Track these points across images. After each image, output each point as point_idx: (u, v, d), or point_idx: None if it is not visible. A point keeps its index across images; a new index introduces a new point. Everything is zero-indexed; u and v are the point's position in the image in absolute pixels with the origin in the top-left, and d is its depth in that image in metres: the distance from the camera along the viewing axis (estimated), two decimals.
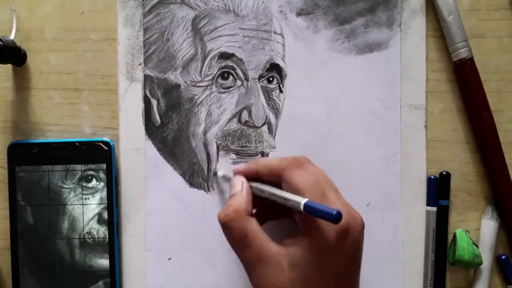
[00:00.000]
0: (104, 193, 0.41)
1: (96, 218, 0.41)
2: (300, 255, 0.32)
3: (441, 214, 0.41)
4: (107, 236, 0.41)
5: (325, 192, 0.33)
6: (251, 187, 0.36)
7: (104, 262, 0.41)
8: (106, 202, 0.41)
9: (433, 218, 0.41)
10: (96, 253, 0.41)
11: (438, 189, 0.41)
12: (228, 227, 0.34)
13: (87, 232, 0.41)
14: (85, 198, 0.41)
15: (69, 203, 0.41)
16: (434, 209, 0.41)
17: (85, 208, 0.41)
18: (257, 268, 0.33)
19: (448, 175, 0.41)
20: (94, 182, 0.41)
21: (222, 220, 0.34)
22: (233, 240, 0.34)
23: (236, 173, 0.37)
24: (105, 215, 0.41)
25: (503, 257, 0.41)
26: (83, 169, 0.41)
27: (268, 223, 0.37)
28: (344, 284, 0.33)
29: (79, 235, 0.41)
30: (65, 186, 0.41)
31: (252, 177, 0.36)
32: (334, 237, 0.31)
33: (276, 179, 0.35)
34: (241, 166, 0.37)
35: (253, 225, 0.33)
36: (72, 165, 0.41)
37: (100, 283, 0.41)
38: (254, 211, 0.36)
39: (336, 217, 0.29)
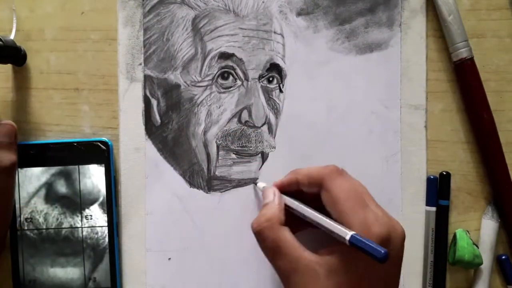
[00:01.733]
0: (103, 193, 0.41)
1: (96, 218, 0.41)
2: (338, 264, 0.31)
3: (441, 214, 0.41)
4: (107, 236, 0.41)
5: (366, 202, 0.33)
6: (292, 209, 0.35)
7: (104, 262, 0.41)
8: (105, 202, 0.41)
9: (433, 218, 0.41)
10: (96, 253, 0.41)
11: (438, 189, 0.41)
12: (261, 237, 0.34)
13: (87, 232, 0.41)
14: (84, 198, 0.41)
15: (69, 204, 0.41)
16: (434, 209, 0.41)
17: (84, 208, 0.41)
18: (292, 277, 0.32)
19: (448, 175, 0.41)
20: (93, 182, 0.41)
21: (255, 229, 0.34)
22: (267, 250, 0.34)
23: (275, 185, 0.37)
24: (105, 215, 0.41)
25: (503, 257, 0.41)
26: (82, 169, 0.41)
27: (301, 232, 0.36)
28: None
29: (79, 235, 0.41)
30: (64, 186, 0.41)
31: (292, 187, 0.36)
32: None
33: (316, 187, 0.34)
34: (281, 179, 0.37)
35: (286, 234, 0.33)
36: (70, 166, 0.41)
37: (101, 283, 0.41)
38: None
39: (383, 258, 0.28)
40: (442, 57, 0.41)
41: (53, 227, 0.40)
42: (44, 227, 0.40)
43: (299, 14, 0.42)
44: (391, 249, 0.31)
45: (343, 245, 0.31)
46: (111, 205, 0.41)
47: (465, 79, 0.40)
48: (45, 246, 0.41)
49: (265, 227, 0.33)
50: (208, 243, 0.42)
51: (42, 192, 0.41)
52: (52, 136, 0.42)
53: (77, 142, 0.41)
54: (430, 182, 0.41)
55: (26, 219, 0.40)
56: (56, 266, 0.40)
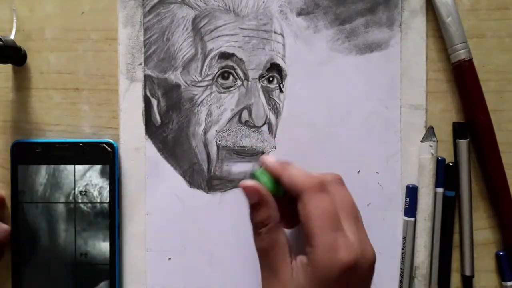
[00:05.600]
0: (106, 193, 0.41)
1: (98, 218, 0.41)
2: (303, 284, 0.31)
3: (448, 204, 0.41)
4: (108, 237, 0.41)
5: (340, 224, 0.32)
6: None
7: (105, 262, 0.41)
8: (108, 203, 0.41)
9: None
10: (96, 254, 0.41)
11: (444, 180, 0.41)
12: (260, 235, 0.34)
13: (87, 233, 0.41)
14: (87, 198, 0.41)
15: (71, 203, 0.41)
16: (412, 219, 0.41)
17: (86, 208, 0.41)
18: (268, 279, 0.33)
19: (455, 165, 0.41)
20: (96, 182, 0.41)
21: (257, 224, 0.34)
22: (260, 249, 0.34)
23: (261, 165, 0.36)
24: (107, 215, 0.41)
25: (501, 253, 0.41)
26: (86, 167, 0.41)
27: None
28: None
29: (80, 235, 0.41)
30: (68, 186, 0.41)
31: (274, 177, 0.35)
32: (337, 273, 0.30)
33: (294, 195, 0.34)
34: (271, 161, 0.36)
35: (282, 238, 0.33)
36: (74, 166, 0.41)
37: (101, 283, 0.41)
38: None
39: None
40: (442, 57, 0.41)
41: (107, 201, 0.41)
42: (98, 201, 0.41)
43: (299, 14, 0.42)
44: (356, 276, 0.31)
45: (309, 266, 0.31)
46: (114, 205, 0.41)
47: (463, 81, 0.40)
48: (98, 220, 0.41)
49: (270, 228, 0.34)
50: (208, 243, 0.42)
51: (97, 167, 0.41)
52: (52, 136, 0.42)
53: (83, 143, 0.41)
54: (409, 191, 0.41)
55: (80, 192, 0.41)
56: (106, 241, 0.41)
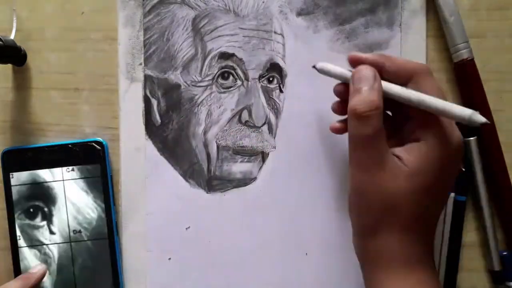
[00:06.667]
0: (101, 193, 0.41)
1: (95, 218, 0.41)
2: (419, 167, 0.32)
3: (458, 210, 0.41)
4: (107, 237, 0.41)
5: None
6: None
7: (104, 262, 0.41)
8: (104, 202, 0.41)
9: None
10: (97, 253, 0.41)
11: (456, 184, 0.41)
12: (366, 122, 0.32)
13: (87, 232, 0.41)
14: (84, 198, 0.41)
15: (68, 204, 0.41)
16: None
17: (84, 209, 0.41)
18: (372, 169, 0.32)
19: (466, 172, 0.41)
20: (92, 182, 0.41)
21: (363, 112, 0.32)
22: (362, 136, 0.32)
23: (356, 61, 0.35)
24: (104, 215, 0.41)
25: (505, 253, 0.41)
26: (80, 170, 0.41)
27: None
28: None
29: (80, 235, 0.41)
30: (63, 188, 0.41)
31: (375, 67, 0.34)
32: (457, 146, 0.32)
33: (402, 79, 0.33)
34: (364, 54, 0.35)
35: (383, 128, 0.32)
36: (67, 167, 0.41)
37: (102, 283, 0.41)
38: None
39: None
40: (442, 57, 0.41)
41: (102, 200, 0.41)
42: (92, 201, 0.41)
43: (299, 14, 0.42)
44: (462, 152, 0.34)
45: (427, 146, 0.32)
46: (109, 204, 0.41)
47: (465, 80, 0.40)
48: (95, 220, 0.41)
49: (375, 114, 0.32)
50: (208, 243, 0.42)
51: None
52: (52, 136, 0.42)
53: (72, 144, 0.41)
54: None
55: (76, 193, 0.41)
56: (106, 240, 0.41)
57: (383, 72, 0.34)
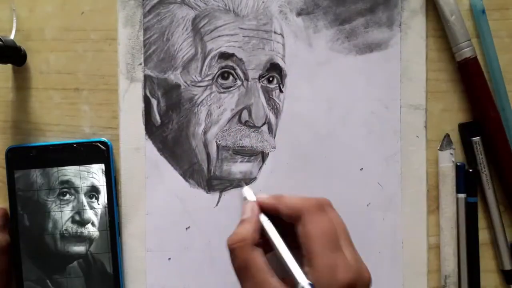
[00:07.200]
0: (104, 193, 0.41)
1: (97, 218, 0.41)
2: None
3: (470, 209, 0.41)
4: (109, 237, 0.41)
5: (340, 244, 0.32)
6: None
7: (105, 262, 0.41)
8: (106, 202, 0.41)
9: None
10: (97, 254, 0.41)
11: (466, 185, 0.41)
12: (233, 255, 0.33)
13: (87, 232, 0.41)
14: (86, 199, 0.41)
15: (70, 204, 0.41)
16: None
17: (85, 209, 0.41)
18: None
19: (476, 171, 0.40)
20: (94, 182, 0.41)
21: (229, 247, 0.33)
22: (237, 269, 0.33)
23: (257, 202, 0.36)
24: (106, 215, 0.41)
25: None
26: (82, 170, 0.41)
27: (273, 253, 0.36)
28: None
29: (80, 235, 0.41)
30: (65, 188, 0.41)
31: (271, 211, 0.35)
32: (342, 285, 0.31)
33: (293, 220, 0.34)
34: (264, 197, 0.36)
35: (257, 257, 0.33)
36: (70, 167, 0.41)
37: (102, 283, 0.41)
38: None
39: None
40: (442, 57, 0.41)
41: (105, 199, 0.41)
42: (96, 200, 0.41)
43: (299, 14, 0.42)
44: None
45: None
46: (112, 205, 0.41)
47: (469, 79, 0.40)
48: (97, 219, 0.41)
49: (238, 246, 0.33)
50: (208, 243, 0.42)
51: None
52: (52, 136, 0.42)
53: (77, 143, 0.41)
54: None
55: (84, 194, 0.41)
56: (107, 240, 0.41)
57: (281, 215, 0.34)
